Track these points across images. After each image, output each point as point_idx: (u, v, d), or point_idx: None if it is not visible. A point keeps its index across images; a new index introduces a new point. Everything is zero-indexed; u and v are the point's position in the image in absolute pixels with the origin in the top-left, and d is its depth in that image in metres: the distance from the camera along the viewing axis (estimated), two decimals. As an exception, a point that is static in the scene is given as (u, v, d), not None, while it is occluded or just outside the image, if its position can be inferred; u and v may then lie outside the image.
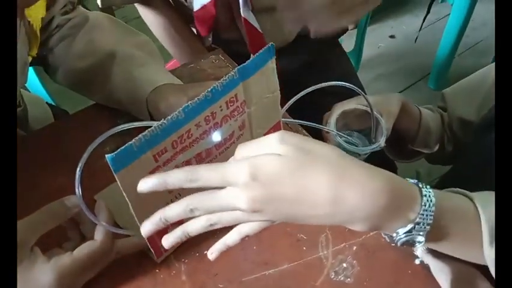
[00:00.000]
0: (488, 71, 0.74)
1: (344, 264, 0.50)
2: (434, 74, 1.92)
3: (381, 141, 0.64)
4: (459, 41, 1.79)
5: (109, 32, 0.69)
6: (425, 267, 0.49)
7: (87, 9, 0.73)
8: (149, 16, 0.88)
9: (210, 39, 0.89)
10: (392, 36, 2.17)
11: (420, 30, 1.66)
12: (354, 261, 0.50)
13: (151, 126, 0.42)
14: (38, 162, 0.62)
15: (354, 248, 0.51)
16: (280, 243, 0.52)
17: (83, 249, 0.46)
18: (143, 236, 0.47)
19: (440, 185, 0.80)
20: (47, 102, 0.88)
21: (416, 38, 1.79)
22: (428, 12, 1.67)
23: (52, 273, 0.44)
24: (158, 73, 0.63)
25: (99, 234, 0.46)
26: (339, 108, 0.71)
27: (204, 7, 0.81)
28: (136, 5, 0.88)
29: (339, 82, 0.59)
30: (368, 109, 0.68)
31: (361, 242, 0.52)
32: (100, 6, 0.81)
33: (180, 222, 0.50)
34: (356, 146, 0.66)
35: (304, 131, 0.64)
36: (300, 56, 0.96)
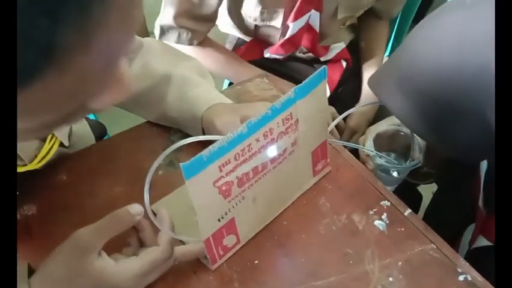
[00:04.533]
0: None
1: (390, 279, 0.52)
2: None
3: (421, 158, 0.67)
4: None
5: (162, 56, 0.73)
6: (469, 283, 0.51)
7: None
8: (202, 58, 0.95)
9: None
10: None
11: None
12: (401, 276, 0.52)
13: (209, 141, 0.46)
14: (96, 173, 0.66)
15: (400, 263, 0.53)
16: (328, 257, 0.54)
17: (148, 255, 0.48)
18: (203, 241, 0.50)
19: None
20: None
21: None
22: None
23: (121, 275, 0.47)
24: (211, 93, 0.67)
25: (162, 241, 0.49)
26: (373, 132, 0.75)
27: (299, 30, 0.90)
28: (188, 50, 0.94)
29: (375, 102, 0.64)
30: (399, 128, 0.71)
31: (406, 258, 0.54)
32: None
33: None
34: (397, 165, 0.69)
35: (347, 151, 0.67)
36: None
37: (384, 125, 0.73)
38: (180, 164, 0.42)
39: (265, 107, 0.62)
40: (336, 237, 0.56)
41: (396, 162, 0.72)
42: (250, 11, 0.90)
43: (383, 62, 1.07)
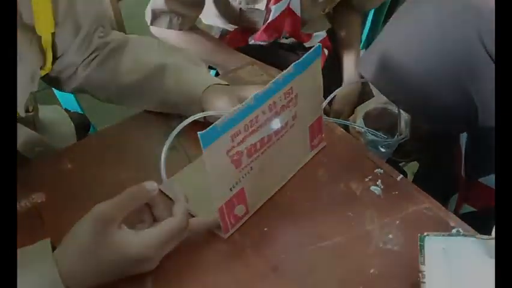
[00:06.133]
0: None
1: (390, 236, 0.56)
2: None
3: (407, 132, 0.72)
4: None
5: (153, 49, 0.76)
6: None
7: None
8: (191, 44, 0.98)
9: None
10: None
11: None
12: (399, 233, 0.56)
13: (211, 119, 0.50)
14: (100, 162, 0.68)
15: (397, 222, 0.58)
16: (331, 220, 0.58)
17: (166, 225, 0.51)
18: (217, 209, 0.53)
19: None
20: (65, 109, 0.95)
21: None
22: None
23: (142, 244, 0.49)
24: (207, 75, 0.71)
25: (178, 212, 0.52)
26: (362, 110, 0.80)
27: (281, 14, 0.94)
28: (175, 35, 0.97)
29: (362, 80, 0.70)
30: (386, 106, 0.77)
31: (402, 217, 0.58)
32: None
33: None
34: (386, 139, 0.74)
35: (339, 128, 0.71)
36: None
37: (373, 104, 0.78)
38: (198, 133, 0.46)
39: (259, 88, 0.66)
40: (337, 203, 0.60)
41: (386, 137, 0.77)
42: None
43: (359, 50, 1.13)
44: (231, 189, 0.53)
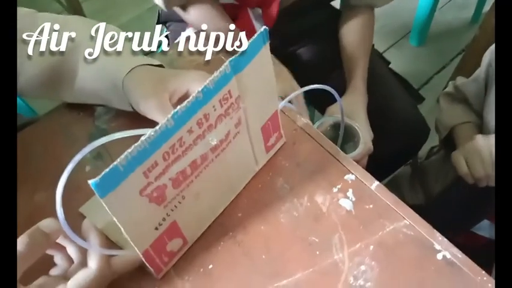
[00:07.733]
0: None
1: (363, 267, 0.46)
2: (416, 31, 1.87)
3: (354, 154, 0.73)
4: (439, -6, 1.73)
5: (68, 26, 0.60)
6: (448, 262, 0.46)
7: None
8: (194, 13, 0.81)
9: None
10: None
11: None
12: (373, 263, 0.46)
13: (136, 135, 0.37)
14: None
15: (371, 247, 0.47)
16: (291, 250, 0.47)
17: (79, 279, 0.40)
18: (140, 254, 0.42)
19: None
20: None
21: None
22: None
23: None
24: (130, 55, 0.56)
25: (93, 260, 0.41)
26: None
27: None
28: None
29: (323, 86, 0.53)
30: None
31: (378, 240, 0.47)
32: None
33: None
34: None
35: (303, 119, 0.58)
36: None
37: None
38: (89, 181, 0.33)
39: (198, 77, 0.52)
40: (299, 225, 0.49)
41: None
42: None
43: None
44: (156, 228, 0.42)
